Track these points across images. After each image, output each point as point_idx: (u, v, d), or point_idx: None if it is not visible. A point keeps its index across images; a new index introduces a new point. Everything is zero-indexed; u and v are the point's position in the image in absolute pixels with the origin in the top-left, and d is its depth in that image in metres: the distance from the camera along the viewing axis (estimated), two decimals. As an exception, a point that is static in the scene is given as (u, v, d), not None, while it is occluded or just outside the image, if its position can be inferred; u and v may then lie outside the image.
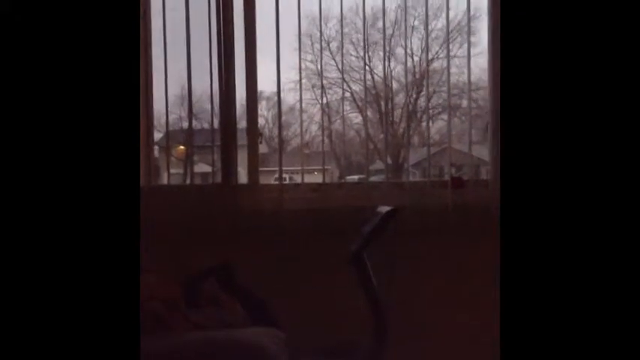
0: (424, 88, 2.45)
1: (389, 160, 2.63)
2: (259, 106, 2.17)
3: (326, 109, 2.44)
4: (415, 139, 2.77)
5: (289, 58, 2.12)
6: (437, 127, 2.57)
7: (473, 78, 2.15)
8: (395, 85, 2.53)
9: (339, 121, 2.44)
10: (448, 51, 2.13)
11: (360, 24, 2.24)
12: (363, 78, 2.27)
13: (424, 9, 2.09)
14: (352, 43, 2.43)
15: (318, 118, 2.57)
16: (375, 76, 2.54)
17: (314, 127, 2.73)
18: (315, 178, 2.40)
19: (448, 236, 1.97)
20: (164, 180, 2.21)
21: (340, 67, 2.29)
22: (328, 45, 2.41)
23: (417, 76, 2.57)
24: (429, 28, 2.18)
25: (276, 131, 2.35)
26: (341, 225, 1.80)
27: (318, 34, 2.21)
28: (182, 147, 2.36)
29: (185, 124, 2.15)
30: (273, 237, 1.95)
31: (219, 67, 2.03)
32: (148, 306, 1.33)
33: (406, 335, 1.79)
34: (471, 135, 2.12)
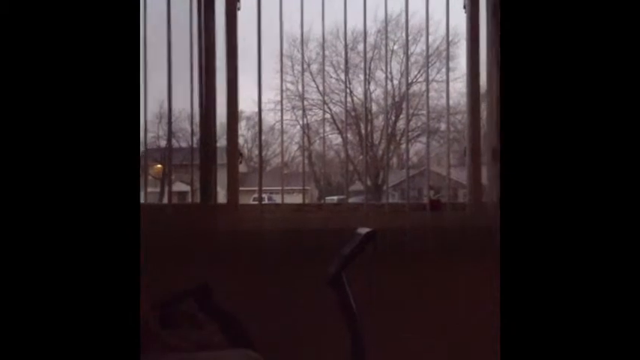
0: (403, 111, 2.48)
1: (368, 182, 2.65)
2: (239, 126, 2.16)
3: (306, 130, 2.46)
4: (394, 161, 2.80)
5: (270, 79, 2.14)
6: (416, 149, 2.60)
7: (451, 102, 2.19)
8: (375, 107, 2.57)
9: (319, 142, 2.45)
10: (427, 75, 2.17)
11: (340, 47, 2.27)
12: (343, 100, 2.30)
13: (404, 33, 2.13)
14: (333, 65, 2.46)
15: (298, 138, 2.58)
16: (355, 99, 2.57)
17: (294, 148, 2.74)
18: (295, 198, 2.40)
19: (426, 258, 1.98)
20: (140, 199, 2.17)
21: (321, 88, 2.31)
22: (309, 67, 2.43)
23: (397, 99, 2.61)
24: (409, 52, 2.22)
25: (255, 151, 2.35)
26: (320, 246, 1.79)
27: (299, 55, 2.23)
28: (159, 165, 2.34)
29: (163, 143, 2.14)
30: (252, 258, 1.93)
31: (199, 85, 2.03)
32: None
33: (385, 358, 1.78)
34: (449, 158, 2.15)
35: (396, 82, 2.60)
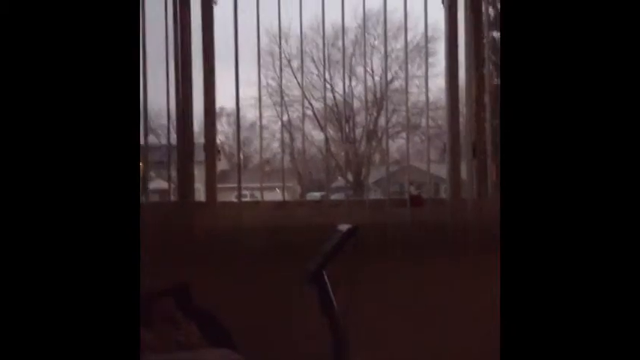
0: (384, 107, 2.47)
1: (350, 178, 2.64)
2: (220, 122, 2.14)
3: (287, 126, 2.44)
4: (376, 157, 2.80)
5: (250, 74, 2.11)
6: (397, 145, 2.60)
7: (432, 98, 2.19)
8: (356, 103, 2.56)
9: (300, 138, 2.43)
10: (407, 71, 2.16)
11: (320, 42, 2.26)
12: (323, 96, 2.28)
13: (384, 29, 2.12)
14: (313, 61, 2.45)
15: (279, 135, 2.56)
16: (337, 95, 2.56)
17: (275, 144, 2.72)
18: (276, 195, 2.38)
19: (407, 254, 1.98)
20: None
21: (301, 84, 2.29)
22: (289, 62, 2.41)
23: (378, 95, 2.60)
24: (389, 48, 2.22)
25: (236, 147, 2.33)
26: (301, 243, 1.78)
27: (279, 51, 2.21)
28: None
29: (140, 140, 2.10)
30: (232, 256, 1.91)
31: (176, 81, 2.00)
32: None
33: (366, 355, 1.78)
34: (429, 154, 2.15)
35: (377, 78, 2.59)
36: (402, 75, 2.30)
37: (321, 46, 2.24)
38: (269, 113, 2.52)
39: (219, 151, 2.08)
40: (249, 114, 2.46)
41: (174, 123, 2.03)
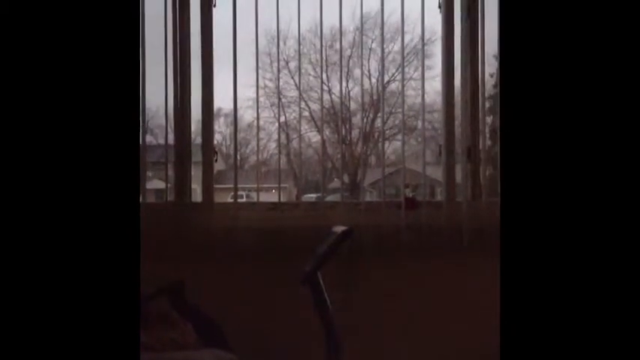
0: (381, 109, 2.48)
1: (346, 179, 2.65)
2: (218, 123, 2.15)
3: (284, 128, 2.45)
4: (372, 159, 2.81)
5: (248, 75, 2.12)
6: (393, 147, 2.61)
7: (428, 100, 2.20)
8: (353, 105, 2.57)
9: (297, 139, 2.44)
10: (403, 73, 2.17)
11: (318, 44, 2.27)
12: (321, 98, 2.29)
13: (381, 31, 2.13)
14: (311, 63, 2.46)
15: (277, 136, 2.57)
16: (334, 96, 2.57)
17: (272, 145, 2.73)
18: (273, 195, 2.39)
19: (402, 256, 1.99)
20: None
21: (298, 86, 2.30)
22: (287, 64, 2.42)
23: (375, 97, 2.61)
24: (386, 50, 2.23)
25: (233, 148, 2.33)
26: (296, 244, 1.79)
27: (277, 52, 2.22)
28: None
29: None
30: (228, 256, 1.92)
31: (174, 82, 2.01)
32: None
33: (361, 357, 1.79)
34: (424, 156, 2.16)
35: (373, 80, 2.61)
36: (398, 77, 2.31)
37: (318, 48, 2.25)
38: (266, 114, 2.53)
39: (216, 152, 2.09)
40: (247, 115, 2.47)
41: (172, 123, 2.04)
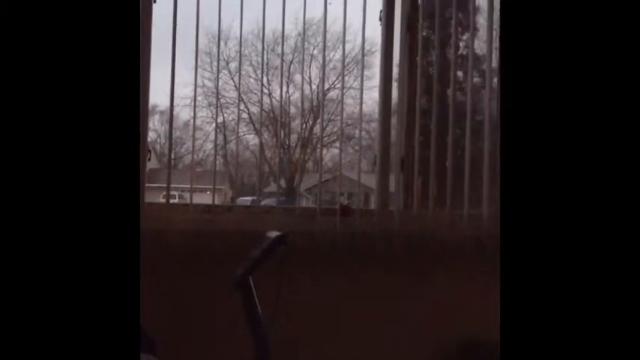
0: (320, 116, 2.50)
1: (282, 184, 2.65)
2: (152, 120, 2.08)
3: (222, 128, 2.41)
4: (309, 165, 2.82)
5: (186, 73, 2.08)
6: (331, 154, 2.64)
7: (366, 110, 2.24)
8: (292, 110, 2.57)
9: (234, 141, 2.41)
10: (343, 82, 2.21)
11: (260, 47, 2.26)
12: (260, 100, 2.28)
13: (323, 39, 2.16)
14: (252, 65, 2.44)
15: (213, 136, 2.53)
16: (273, 100, 2.56)
17: (209, 146, 2.68)
18: (207, 197, 2.35)
19: (335, 263, 2.01)
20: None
21: (238, 87, 2.28)
22: (227, 64, 2.39)
23: (314, 103, 2.63)
24: (327, 58, 2.25)
25: (168, 147, 2.27)
26: (230, 248, 1.76)
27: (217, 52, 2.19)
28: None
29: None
30: (157, 258, 1.86)
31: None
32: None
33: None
34: (360, 164, 2.20)
35: (314, 86, 2.62)
36: (338, 85, 2.34)
37: (260, 50, 2.24)
38: (203, 114, 2.48)
39: (149, 150, 2.03)
40: (183, 113, 2.41)
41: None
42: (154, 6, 2.01)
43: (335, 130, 2.59)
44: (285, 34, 2.12)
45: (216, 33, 2.07)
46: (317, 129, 2.63)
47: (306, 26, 2.20)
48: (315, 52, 2.47)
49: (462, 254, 2.03)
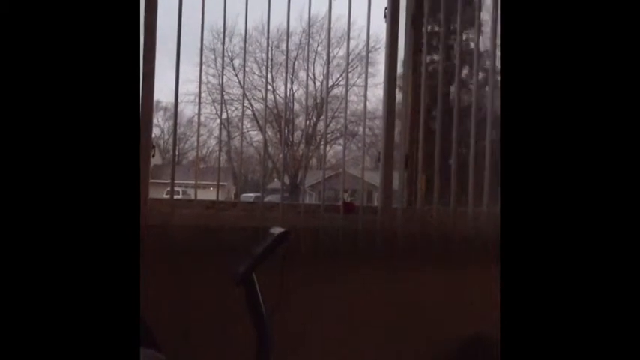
0: (324, 113, 2.50)
1: (286, 181, 2.65)
2: (156, 117, 2.08)
3: (226, 125, 2.41)
4: (313, 162, 2.83)
5: (191, 70, 2.08)
6: (334, 151, 2.64)
7: (370, 107, 2.24)
8: (296, 107, 2.57)
9: (238, 137, 2.42)
10: (347, 79, 2.20)
11: (264, 43, 2.26)
12: (264, 97, 2.28)
13: (328, 36, 2.15)
14: (256, 61, 2.44)
15: (217, 133, 2.53)
16: (278, 97, 2.56)
17: (212, 142, 2.69)
18: (211, 193, 2.35)
19: (338, 260, 2.01)
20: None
21: (242, 84, 2.28)
22: (231, 61, 2.39)
23: (318, 100, 2.63)
24: (332, 55, 2.25)
25: (172, 143, 2.27)
26: (232, 244, 1.77)
27: (223, 49, 2.19)
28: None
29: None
30: (161, 254, 1.86)
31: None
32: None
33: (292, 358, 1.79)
34: (364, 161, 2.20)
35: (318, 83, 2.62)
36: (342, 82, 2.34)
37: (264, 47, 2.24)
38: (207, 110, 2.49)
39: (153, 146, 2.03)
40: (187, 110, 2.42)
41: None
42: (159, 2, 2.01)
43: (339, 127, 2.60)
44: (290, 30, 2.12)
45: (221, 29, 2.07)
46: (321, 126, 2.63)
47: (310, 23, 2.20)
48: (319, 48, 2.47)
49: (466, 252, 2.03)
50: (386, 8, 2.18)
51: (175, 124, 2.08)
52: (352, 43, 2.18)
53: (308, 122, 2.63)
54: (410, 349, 2.05)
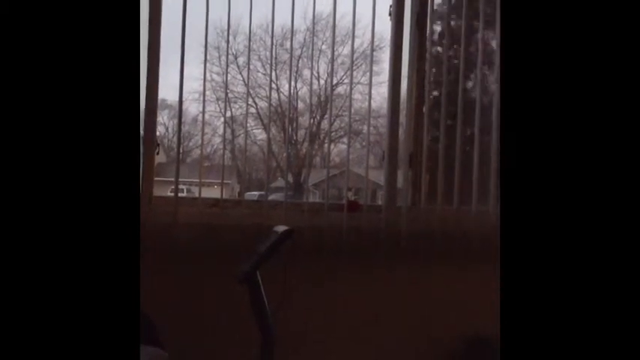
0: (328, 111, 2.50)
1: (290, 179, 2.65)
2: (161, 115, 2.09)
3: (230, 123, 2.41)
4: (317, 160, 2.82)
5: (195, 68, 2.08)
6: (338, 149, 2.64)
7: (374, 105, 2.23)
8: (300, 105, 2.57)
9: (242, 135, 2.42)
10: (351, 77, 2.20)
11: (269, 41, 2.25)
12: (268, 95, 2.28)
13: (332, 34, 2.15)
14: (260, 60, 2.44)
15: (221, 130, 2.53)
16: (282, 95, 2.56)
17: (217, 140, 2.69)
18: (215, 191, 2.35)
19: (342, 258, 2.01)
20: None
21: (246, 82, 2.28)
22: (236, 59, 2.39)
23: (322, 98, 2.63)
24: (336, 53, 2.24)
25: (176, 141, 2.28)
26: (236, 243, 1.77)
27: (227, 47, 2.19)
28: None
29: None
30: (165, 251, 1.87)
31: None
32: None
33: (294, 357, 1.79)
34: (368, 160, 2.19)
35: (322, 81, 2.62)
36: (347, 81, 2.34)
37: (269, 45, 2.24)
38: (212, 108, 2.48)
39: (157, 144, 2.04)
40: (192, 108, 2.42)
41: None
42: (164, 1, 2.01)
43: (343, 125, 2.59)
44: (294, 28, 2.12)
45: (225, 27, 2.07)
46: (325, 124, 2.62)
47: (315, 21, 2.19)
48: (323, 47, 2.46)
49: (469, 251, 2.02)
50: (391, 6, 2.18)
51: (180, 122, 2.08)
52: (357, 42, 2.18)
53: (312, 120, 2.63)
54: (414, 347, 2.05)
